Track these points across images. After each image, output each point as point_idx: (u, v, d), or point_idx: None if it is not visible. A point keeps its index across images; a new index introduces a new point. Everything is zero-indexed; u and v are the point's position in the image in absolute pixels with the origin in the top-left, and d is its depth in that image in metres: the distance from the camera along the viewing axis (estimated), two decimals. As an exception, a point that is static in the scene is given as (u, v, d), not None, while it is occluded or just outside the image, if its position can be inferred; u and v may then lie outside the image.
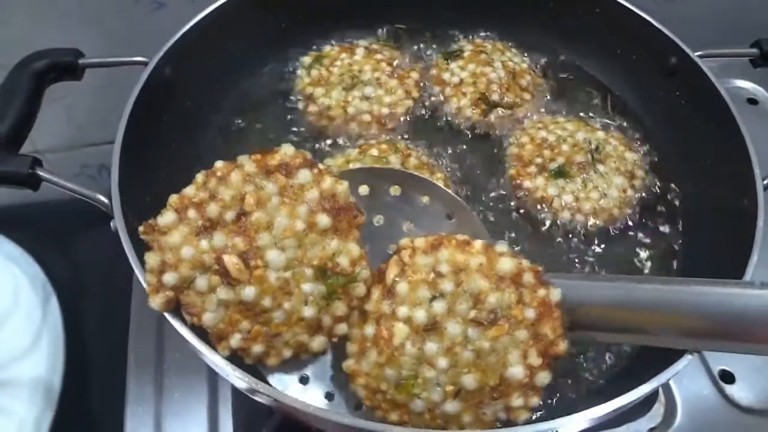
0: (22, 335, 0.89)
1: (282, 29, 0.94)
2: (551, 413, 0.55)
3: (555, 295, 0.56)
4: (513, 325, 0.54)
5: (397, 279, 0.56)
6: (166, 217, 0.55)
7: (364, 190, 0.66)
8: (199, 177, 0.57)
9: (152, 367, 0.81)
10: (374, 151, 0.80)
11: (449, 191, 0.69)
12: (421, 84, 0.91)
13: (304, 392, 0.58)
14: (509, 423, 0.54)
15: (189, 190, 0.56)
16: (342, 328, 0.56)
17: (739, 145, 0.74)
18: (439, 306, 0.54)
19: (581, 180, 0.80)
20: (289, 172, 0.56)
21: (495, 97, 0.88)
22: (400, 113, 0.87)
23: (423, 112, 0.90)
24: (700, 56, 0.82)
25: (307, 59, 0.92)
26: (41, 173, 0.66)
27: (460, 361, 0.53)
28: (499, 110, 0.88)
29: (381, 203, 0.67)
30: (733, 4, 1.10)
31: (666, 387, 0.81)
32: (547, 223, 0.80)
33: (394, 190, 0.67)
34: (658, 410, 0.80)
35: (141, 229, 0.56)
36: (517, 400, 0.54)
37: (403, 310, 0.54)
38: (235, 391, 0.79)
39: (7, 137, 0.67)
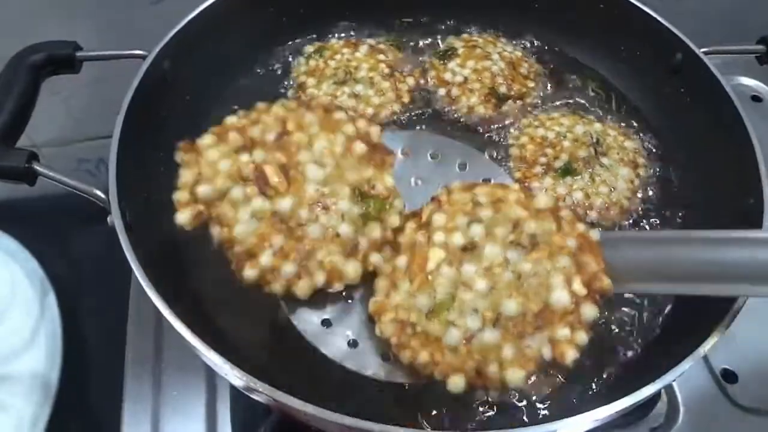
0: (19, 330, 0.89)
1: (282, 22, 0.93)
2: (553, 415, 0.54)
3: (594, 234, 0.55)
4: (555, 250, 0.51)
5: (433, 213, 0.55)
6: (206, 139, 0.57)
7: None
8: (240, 112, 0.59)
9: (150, 365, 0.80)
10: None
11: (456, 142, 0.74)
12: (414, 92, 0.89)
13: (326, 336, 0.57)
14: (555, 364, 0.51)
15: (230, 119, 0.58)
16: (376, 258, 0.55)
17: (745, 143, 0.73)
18: (477, 229, 0.52)
19: (588, 176, 0.79)
20: (328, 110, 0.59)
21: (503, 89, 0.87)
22: (384, 116, 0.85)
23: (424, 111, 0.88)
24: (705, 53, 0.81)
25: (309, 48, 0.91)
26: (37, 168, 0.65)
27: (499, 283, 0.50)
28: (510, 102, 0.87)
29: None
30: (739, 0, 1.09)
31: (668, 387, 0.81)
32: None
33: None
34: (660, 410, 0.80)
35: (180, 145, 0.57)
36: (562, 331, 0.50)
37: (439, 236, 0.52)
38: (234, 389, 0.78)
39: (3, 131, 0.66)
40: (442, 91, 0.89)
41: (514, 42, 0.95)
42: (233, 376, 0.54)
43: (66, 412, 0.82)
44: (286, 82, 0.90)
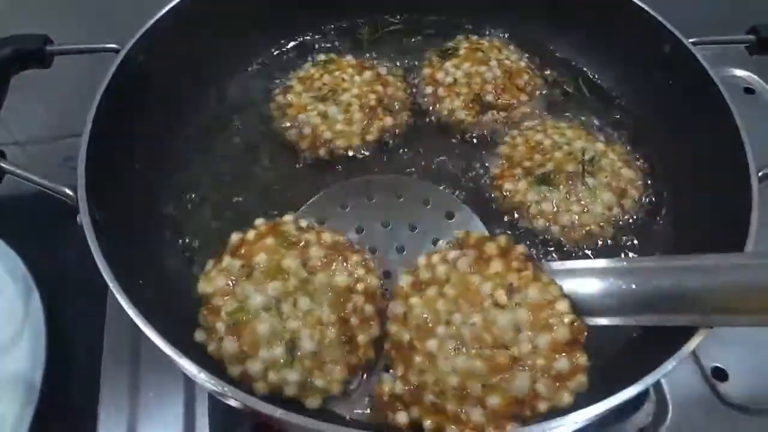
0: (3, 330, 0.87)
1: (269, 17, 0.91)
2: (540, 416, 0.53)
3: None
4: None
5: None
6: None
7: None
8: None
9: (127, 366, 0.79)
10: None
11: (446, 192, 0.76)
12: (386, 134, 0.84)
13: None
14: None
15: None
16: None
17: (734, 137, 0.72)
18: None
19: (566, 190, 0.76)
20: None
21: (489, 98, 0.85)
22: (338, 145, 0.81)
23: (411, 113, 0.87)
24: (694, 43, 0.79)
25: (321, 56, 0.89)
26: (3, 165, 0.64)
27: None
28: (493, 112, 0.85)
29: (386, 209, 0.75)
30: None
31: (657, 385, 0.79)
32: (521, 227, 0.76)
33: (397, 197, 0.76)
34: (648, 409, 0.78)
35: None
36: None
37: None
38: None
39: (-33, 128, 0.65)
40: (429, 90, 0.87)
41: (525, 53, 0.92)
42: (204, 381, 0.53)
43: (49, 412, 0.81)
44: (276, 81, 0.89)
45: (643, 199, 0.79)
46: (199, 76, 0.86)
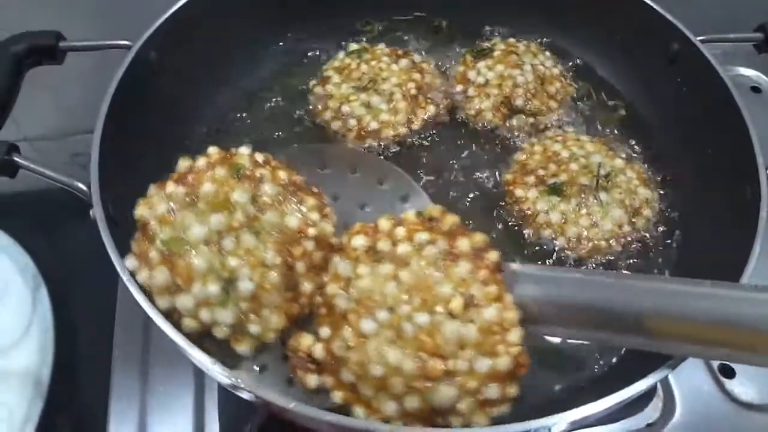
0: (12, 326, 0.88)
1: (282, 13, 0.92)
2: (544, 411, 0.53)
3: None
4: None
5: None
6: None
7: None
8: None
9: (138, 359, 0.79)
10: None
11: (405, 174, 0.73)
12: (429, 121, 0.85)
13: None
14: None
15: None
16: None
17: (742, 134, 0.72)
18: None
19: (576, 203, 0.75)
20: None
21: (519, 102, 0.84)
22: (385, 136, 0.82)
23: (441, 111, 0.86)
24: (702, 41, 0.79)
25: (353, 45, 0.90)
26: (18, 160, 0.64)
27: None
28: (521, 116, 0.85)
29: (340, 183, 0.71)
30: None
31: (664, 382, 0.80)
32: (527, 236, 0.76)
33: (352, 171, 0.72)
34: (656, 405, 0.78)
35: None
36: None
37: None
38: (222, 385, 0.77)
39: (-19, 123, 0.65)
40: (459, 88, 0.87)
41: (560, 60, 0.92)
42: (217, 373, 0.53)
43: (57, 407, 0.82)
44: (283, 75, 0.90)
45: (657, 219, 0.78)
46: (213, 72, 0.87)
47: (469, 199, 0.80)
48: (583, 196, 0.75)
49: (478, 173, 0.82)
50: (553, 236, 0.75)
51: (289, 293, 0.56)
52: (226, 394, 0.76)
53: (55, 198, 0.95)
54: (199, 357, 0.53)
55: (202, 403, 0.76)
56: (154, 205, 0.57)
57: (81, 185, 0.63)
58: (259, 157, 0.62)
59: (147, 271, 0.56)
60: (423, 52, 0.94)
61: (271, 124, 0.86)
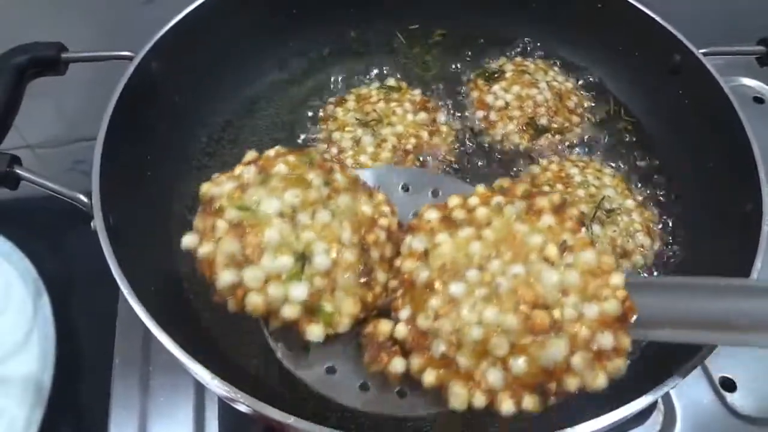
0: (13, 332, 0.88)
1: (284, 22, 0.92)
2: (545, 426, 0.53)
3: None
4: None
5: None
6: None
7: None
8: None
9: (138, 369, 0.79)
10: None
11: (460, 181, 0.69)
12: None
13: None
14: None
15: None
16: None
17: (744, 147, 0.72)
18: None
19: None
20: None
21: (543, 121, 0.84)
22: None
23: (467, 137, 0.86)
24: (704, 54, 0.80)
25: (391, 81, 0.89)
26: (19, 171, 0.65)
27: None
28: (548, 135, 0.84)
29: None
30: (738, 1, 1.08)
31: (665, 395, 0.79)
32: None
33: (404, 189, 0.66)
34: (656, 419, 0.78)
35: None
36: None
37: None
38: (222, 397, 0.77)
39: (-16, 134, 0.66)
40: (480, 114, 0.87)
41: (569, 74, 0.92)
42: (215, 386, 0.53)
43: (58, 414, 0.82)
44: (283, 86, 0.90)
45: (649, 266, 0.77)
46: (218, 82, 0.87)
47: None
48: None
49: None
50: None
51: (363, 277, 0.53)
52: (227, 405, 0.76)
53: (56, 205, 0.95)
54: (197, 370, 0.53)
55: (203, 413, 0.76)
56: (222, 183, 0.54)
57: (82, 197, 0.64)
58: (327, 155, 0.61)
59: (212, 244, 0.51)
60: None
61: (271, 134, 0.87)
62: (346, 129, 0.82)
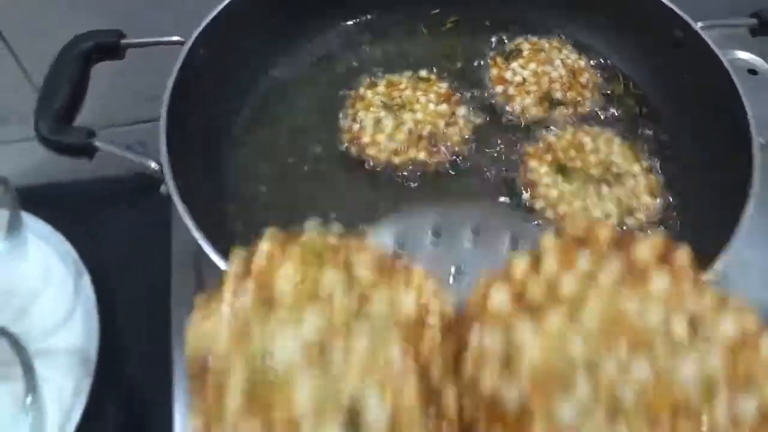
0: (54, 310, 0.90)
1: (327, 6, 0.97)
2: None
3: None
4: None
5: None
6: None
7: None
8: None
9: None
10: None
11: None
12: (410, 166, 0.86)
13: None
14: None
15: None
16: None
17: (740, 116, 0.78)
18: None
19: (576, 188, 0.82)
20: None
21: (558, 95, 0.91)
22: (370, 154, 0.85)
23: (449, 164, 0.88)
24: (702, 27, 0.86)
25: (423, 73, 0.93)
26: (96, 143, 0.71)
27: None
28: (562, 108, 0.91)
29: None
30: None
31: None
32: (524, 198, 0.84)
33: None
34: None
35: None
36: None
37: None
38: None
39: (62, 113, 0.72)
40: (499, 89, 0.93)
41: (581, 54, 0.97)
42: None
43: (108, 382, 0.85)
44: (324, 66, 0.94)
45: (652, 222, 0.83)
46: (254, 64, 0.93)
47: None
48: (586, 183, 0.82)
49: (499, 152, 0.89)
50: (546, 207, 0.82)
51: (431, 408, 0.37)
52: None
53: (90, 188, 1.01)
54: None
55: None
56: (211, 332, 0.38)
57: (152, 163, 0.70)
58: (331, 238, 0.43)
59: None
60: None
61: (305, 114, 0.92)
62: (371, 109, 0.88)
